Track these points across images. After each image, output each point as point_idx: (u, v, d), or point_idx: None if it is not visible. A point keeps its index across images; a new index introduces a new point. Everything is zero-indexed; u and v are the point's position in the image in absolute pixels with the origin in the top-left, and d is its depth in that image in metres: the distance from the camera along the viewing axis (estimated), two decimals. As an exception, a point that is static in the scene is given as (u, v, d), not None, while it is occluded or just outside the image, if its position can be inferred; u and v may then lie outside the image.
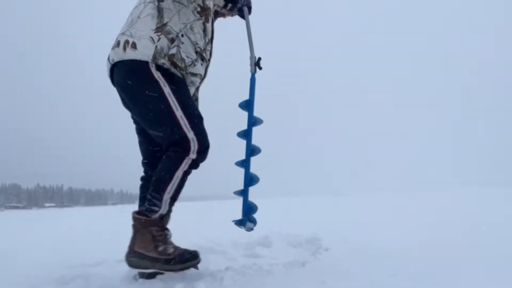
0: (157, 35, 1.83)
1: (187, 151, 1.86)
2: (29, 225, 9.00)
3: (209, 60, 2.10)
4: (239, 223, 1.97)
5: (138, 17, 1.90)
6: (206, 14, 1.99)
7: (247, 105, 1.98)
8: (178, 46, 1.85)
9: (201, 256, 2.30)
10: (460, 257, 2.30)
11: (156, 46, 1.82)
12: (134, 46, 1.82)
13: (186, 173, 1.91)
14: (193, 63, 1.93)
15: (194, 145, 1.86)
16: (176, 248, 1.98)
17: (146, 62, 1.82)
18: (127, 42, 1.85)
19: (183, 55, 1.87)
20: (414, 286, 1.73)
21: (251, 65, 2.03)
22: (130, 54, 1.83)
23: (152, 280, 2.06)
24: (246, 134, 2.01)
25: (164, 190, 1.89)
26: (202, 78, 2.10)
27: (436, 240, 2.94)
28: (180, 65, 1.87)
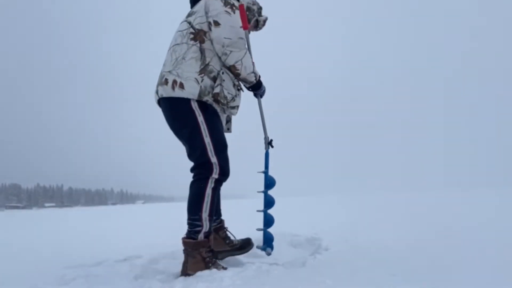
0: (201, 76, 2.13)
1: (210, 173, 2.15)
2: (29, 225, 9.01)
3: (242, 89, 2.38)
4: (263, 248, 2.47)
5: (183, 58, 2.16)
6: None
7: (264, 173, 2.46)
8: (220, 84, 2.15)
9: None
10: (460, 257, 2.30)
11: (201, 86, 2.12)
12: (182, 86, 2.12)
13: (214, 190, 2.18)
14: (233, 98, 2.23)
15: (216, 169, 2.16)
16: (225, 268, 2.19)
17: (189, 99, 2.14)
18: (175, 82, 2.14)
19: (225, 93, 2.17)
20: (414, 286, 1.73)
21: (265, 143, 2.46)
22: (178, 93, 2.13)
23: (152, 280, 2.06)
24: (264, 193, 2.53)
25: (200, 210, 2.14)
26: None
27: (436, 240, 2.94)
28: (222, 101, 2.17)
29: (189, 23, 2.21)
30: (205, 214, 2.14)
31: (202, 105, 2.15)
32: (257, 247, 2.52)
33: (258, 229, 2.52)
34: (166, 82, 2.17)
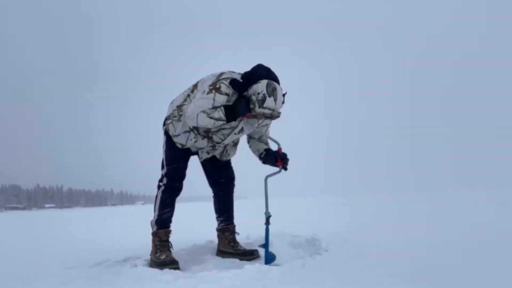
0: (173, 111, 2.69)
1: (161, 180, 2.76)
2: (29, 226, 9.00)
3: (219, 144, 2.73)
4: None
5: (177, 99, 2.75)
6: (208, 134, 2.65)
7: (264, 247, 2.61)
8: (172, 121, 2.66)
9: (200, 256, 2.32)
10: (460, 257, 2.31)
11: (166, 115, 2.74)
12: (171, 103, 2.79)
13: (163, 193, 2.71)
14: (175, 134, 2.67)
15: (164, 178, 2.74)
16: (167, 257, 2.51)
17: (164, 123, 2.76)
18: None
19: (170, 128, 2.68)
20: (413, 286, 1.73)
21: (266, 219, 2.67)
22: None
23: (152, 281, 2.07)
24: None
25: (154, 207, 2.77)
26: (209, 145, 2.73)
27: (435, 240, 2.94)
28: (169, 133, 2.69)
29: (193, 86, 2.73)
30: (156, 212, 2.70)
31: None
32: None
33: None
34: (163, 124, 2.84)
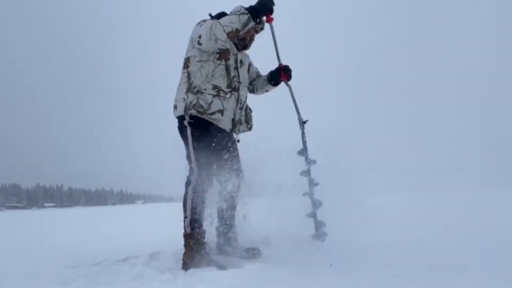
0: (186, 94, 2.56)
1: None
2: (29, 225, 9.01)
3: (238, 84, 2.68)
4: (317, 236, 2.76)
5: (179, 85, 2.65)
6: (225, 56, 2.60)
7: (302, 152, 2.82)
8: (198, 96, 2.53)
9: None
10: (460, 257, 2.31)
11: (186, 103, 2.54)
12: (175, 107, 2.63)
13: (194, 191, 2.54)
14: (209, 106, 2.53)
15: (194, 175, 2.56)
16: (210, 260, 2.43)
17: (183, 116, 2.57)
18: (174, 106, 2.64)
19: (201, 102, 2.52)
20: (414, 286, 1.73)
21: (299, 124, 2.87)
22: (175, 114, 2.64)
23: (153, 280, 2.07)
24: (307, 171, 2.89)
25: (184, 207, 2.56)
26: (238, 103, 2.71)
27: (435, 240, 2.95)
28: (200, 110, 2.52)
29: (184, 58, 2.66)
30: (188, 211, 2.52)
31: (192, 120, 2.55)
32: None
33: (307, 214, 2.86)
34: (174, 107, 2.65)
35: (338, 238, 3.14)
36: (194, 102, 2.52)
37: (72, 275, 2.31)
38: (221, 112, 2.58)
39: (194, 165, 2.56)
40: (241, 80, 2.71)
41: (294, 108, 2.94)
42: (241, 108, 2.74)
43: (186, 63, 2.64)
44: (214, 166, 2.67)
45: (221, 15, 2.66)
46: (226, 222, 2.87)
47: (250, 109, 2.90)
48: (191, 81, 2.57)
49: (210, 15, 2.67)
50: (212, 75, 2.57)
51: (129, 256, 2.83)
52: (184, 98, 2.56)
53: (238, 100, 2.70)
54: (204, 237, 2.55)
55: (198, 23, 2.60)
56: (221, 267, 2.28)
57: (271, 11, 2.62)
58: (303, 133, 2.84)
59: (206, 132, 2.59)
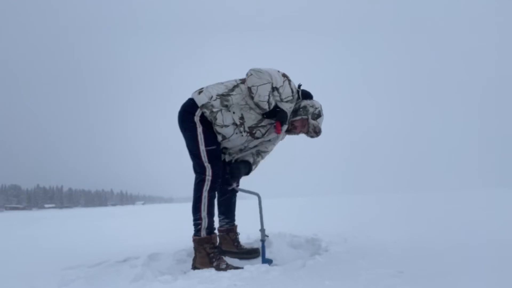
0: (217, 97, 2.49)
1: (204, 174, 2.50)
2: (29, 226, 9.00)
3: (255, 136, 2.60)
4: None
5: (222, 83, 2.58)
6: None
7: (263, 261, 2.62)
8: (221, 109, 2.47)
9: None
10: (460, 257, 2.30)
11: (209, 102, 2.47)
12: (200, 93, 2.53)
13: (210, 192, 2.49)
14: (222, 126, 2.49)
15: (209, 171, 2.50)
16: (228, 265, 2.39)
17: (196, 107, 2.49)
18: (201, 90, 2.55)
19: (220, 118, 2.48)
20: (414, 286, 1.73)
21: (261, 235, 2.66)
22: (195, 97, 2.53)
23: (153, 281, 2.07)
24: None
25: (199, 209, 2.49)
26: (243, 144, 2.65)
27: (435, 240, 2.94)
28: (211, 120, 2.48)
29: (247, 74, 2.48)
30: (204, 213, 2.47)
31: (203, 117, 2.49)
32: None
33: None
34: (199, 91, 2.56)
35: (338, 238, 3.14)
36: (214, 110, 2.47)
37: (72, 276, 2.30)
38: (225, 138, 2.57)
39: (206, 162, 2.47)
40: (259, 137, 2.62)
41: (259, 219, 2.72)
42: (241, 150, 2.73)
43: (244, 81, 2.51)
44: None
45: (307, 96, 2.64)
46: (226, 222, 2.88)
47: (250, 163, 2.79)
48: (231, 94, 2.49)
49: (299, 86, 2.62)
50: (250, 109, 2.49)
51: (129, 257, 2.83)
52: (211, 97, 2.48)
53: (245, 142, 2.65)
54: (217, 241, 2.56)
55: (282, 79, 2.46)
56: (225, 263, 2.36)
57: (282, 123, 2.52)
58: (263, 244, 2.62)
59: (212, 131, 2.55)
